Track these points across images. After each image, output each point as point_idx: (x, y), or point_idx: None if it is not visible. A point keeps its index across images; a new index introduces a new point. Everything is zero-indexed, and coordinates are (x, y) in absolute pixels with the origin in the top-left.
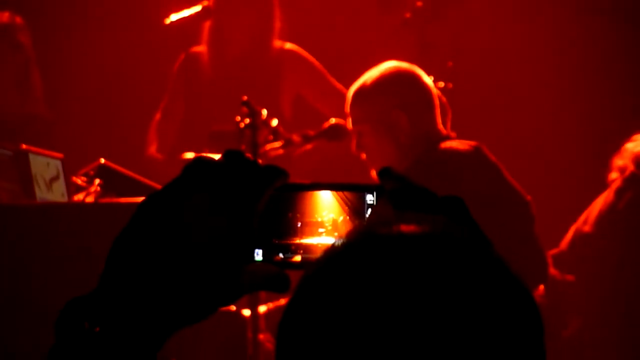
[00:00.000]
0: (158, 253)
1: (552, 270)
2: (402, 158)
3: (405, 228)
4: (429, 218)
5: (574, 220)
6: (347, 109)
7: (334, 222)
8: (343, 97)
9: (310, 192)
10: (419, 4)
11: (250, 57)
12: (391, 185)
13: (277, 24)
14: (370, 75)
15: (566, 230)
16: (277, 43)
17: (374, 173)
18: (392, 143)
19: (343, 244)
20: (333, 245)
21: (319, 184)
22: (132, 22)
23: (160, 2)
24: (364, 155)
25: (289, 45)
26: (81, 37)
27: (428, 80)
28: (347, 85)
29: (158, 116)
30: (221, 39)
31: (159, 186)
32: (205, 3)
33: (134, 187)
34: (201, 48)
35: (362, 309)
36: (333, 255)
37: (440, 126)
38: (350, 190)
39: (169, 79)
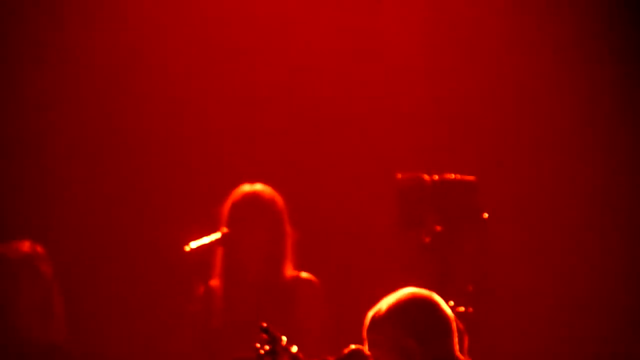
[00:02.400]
0: None
1: None
2: None
3: None
4: None
5: None
6: (364, 333)
7: None
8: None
9: None
10: (438, 228)
11: (264, 284)
12: None
13: (290, 252)
14: (387, 301)
15: None
16: (292, 271)
17: None
18: None
19: None
20: None
21: None
22: (153, 248)
23: (180, 227)
24: None
25: (304, 275)
26: (101, 265)
27: (445, 307)
28: (367, 309)
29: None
30: (236, 265)
31: None
32: (225, 230)
33: None
34: (216, 281)
35: None
36: None
37: (457, 353)
38: None
39: (191, 313)
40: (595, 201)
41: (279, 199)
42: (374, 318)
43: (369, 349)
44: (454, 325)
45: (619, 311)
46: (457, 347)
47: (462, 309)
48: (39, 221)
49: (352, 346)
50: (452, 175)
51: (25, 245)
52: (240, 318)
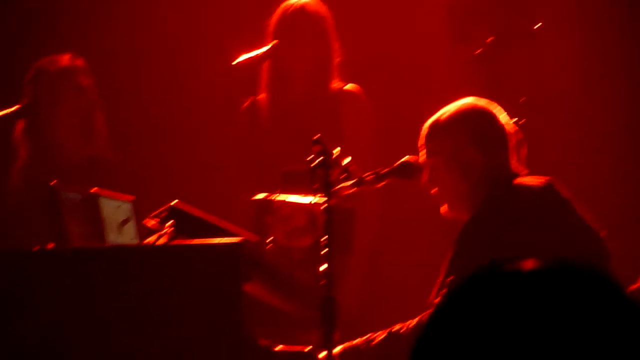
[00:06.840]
0: None
1: None
2: (473, 194)
3: (525, 265)
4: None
5: None
6: (421, 141)
7: None
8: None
9: None
10: (490, 39)
11: (310, 98)
12: None
13: (337, 64)
14: (447, 110)
15: None
16: (337, 84)
17: (444, 208)
18: (464, 179)
19: (468, 280)
20: (459, 281)
21: None
22: (200, 63)
23: (227, 43)
24: (434, 190)
25: (350, 86)
26: (149, 77)
27: (504, 117)
28: (417, 121)
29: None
30: (283, 79)
31: (233, 227)
32: (272, 43)
33: (207, 229)
34: (263, 95)
35: (490, 343)
36: (459, 291)
37: (514, 163)
38: None
39: (237, 123)
40: None
41: (326, 12)
42: (433, 126)
43: (427, 158)
44: (511, 136)
45: None
46: (514, 157)
47: (514, 120)
48: (79, 36)
49: (406, 157)
50: None
51: (65, 58)
52: (287, 131)
